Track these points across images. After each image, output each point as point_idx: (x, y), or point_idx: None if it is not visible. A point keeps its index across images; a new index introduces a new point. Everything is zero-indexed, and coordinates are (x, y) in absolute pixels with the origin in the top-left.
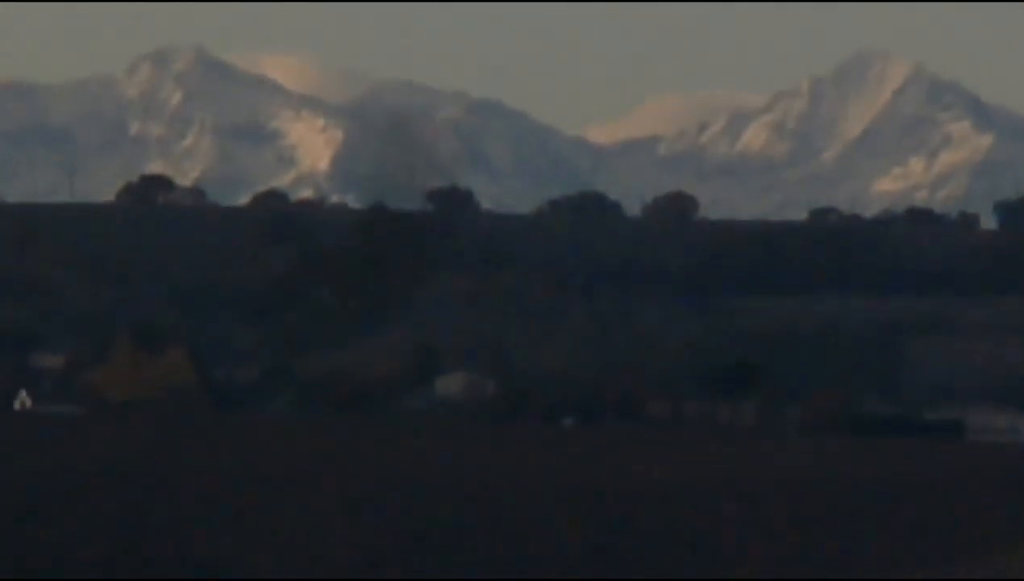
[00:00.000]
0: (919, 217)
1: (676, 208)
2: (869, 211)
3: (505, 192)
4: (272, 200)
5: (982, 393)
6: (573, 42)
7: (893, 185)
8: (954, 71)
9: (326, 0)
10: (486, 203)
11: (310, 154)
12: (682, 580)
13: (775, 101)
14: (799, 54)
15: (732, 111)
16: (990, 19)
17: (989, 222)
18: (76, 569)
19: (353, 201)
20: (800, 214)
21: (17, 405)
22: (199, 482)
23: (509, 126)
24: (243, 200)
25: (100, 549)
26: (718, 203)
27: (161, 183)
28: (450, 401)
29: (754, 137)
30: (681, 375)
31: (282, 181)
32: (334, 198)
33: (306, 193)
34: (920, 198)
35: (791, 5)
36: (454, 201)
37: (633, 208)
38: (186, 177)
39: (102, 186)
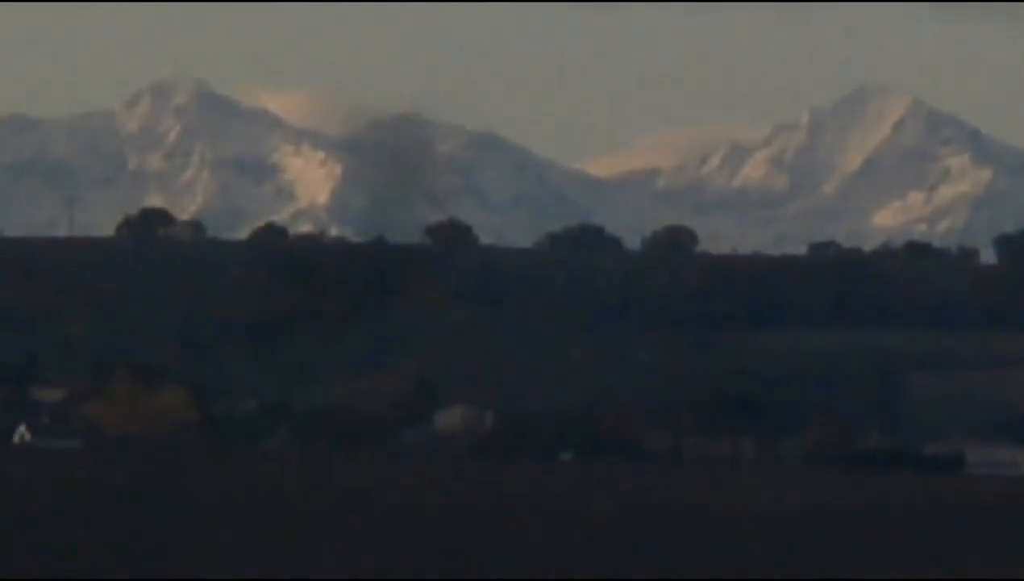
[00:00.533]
0: (919, 251)
1: (675, 241)
2: (869, 245)
3: (504, 225)
4: (271, 234)
5: (982, 427)
6: (572, 76)
7: (893, 219)
8: (953, 105)
9: (325, 32)
10: (485, 237)
11: (309, 188)
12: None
13: (774, 135)
14: (799, 88)
15: (731, 144)
16: (989, 54)
17: (989, 256)
18: None
19: (352, 235)
20: (800, 248)
21: (16, 439)
22: (198, 516)
23: (508, 160)
24: (242, 234)
25: None
26: (717, 236)
27: (160, 217)
28: (449, 435)
29: (753, 170)
30: (680, 409)
31: (281, 215)
32: (333, 232)
33: (306, 227)
34: (920, 232)
35: (791, 39)
36: (453, 235)
37: (632, 241)
38: (185, 211)
39: (101, 220)
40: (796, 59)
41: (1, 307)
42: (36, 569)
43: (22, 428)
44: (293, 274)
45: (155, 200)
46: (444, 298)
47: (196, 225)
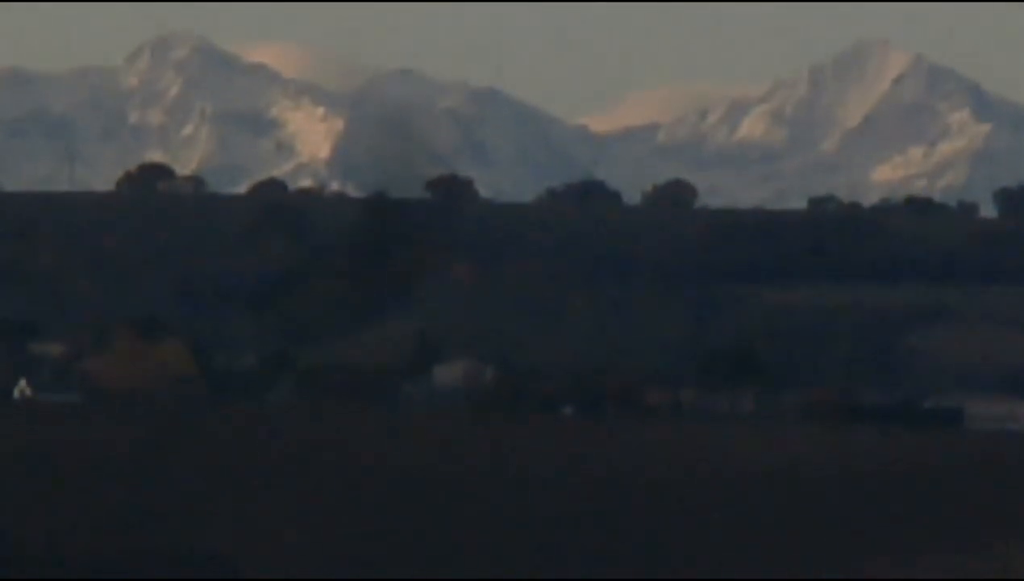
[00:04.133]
0: (918, 206)
1: (675, 197)
2: (868, 200)
3: (505, 181)
4: (271, 189)
5: (981, 381)
6: (573, 31)
7: (892, 174)
8: (954, 60)
9: None
10: (486, 192)
11: (310, 143)
12: (682, 580)
13: (774, 90)
14: (799, 43)
15: (731, 99)
16: (990, 8)
17: (988, 210)
18: (74, 557)
19: (353, 190)
20: (799, 203)
21: (17, 393)
22: (197, 471)
23: (509, 115)
24: (242, 189)
25: (98, 537)
26: (717, 191)
27: (160, 172)
28: (449, 390)
29: (753, 125)
30: (680, 364)
31: (282, 170)
32: (334, 187)
33: (306, 182)
34: (919, 187)
35: None
36: (454, 190)
37: (632, 196)
38: (185, 166)
39: (102, 175)
40: (796, 14)
41: (1, 262)
42: (33, 524)
43: (22, 383)
44: (293, 229)
45: (155, 155)
46: (445, 253)
47: (196, 180)
